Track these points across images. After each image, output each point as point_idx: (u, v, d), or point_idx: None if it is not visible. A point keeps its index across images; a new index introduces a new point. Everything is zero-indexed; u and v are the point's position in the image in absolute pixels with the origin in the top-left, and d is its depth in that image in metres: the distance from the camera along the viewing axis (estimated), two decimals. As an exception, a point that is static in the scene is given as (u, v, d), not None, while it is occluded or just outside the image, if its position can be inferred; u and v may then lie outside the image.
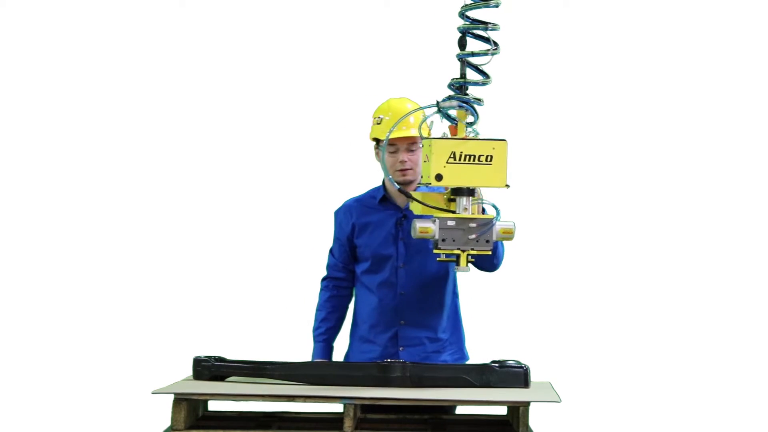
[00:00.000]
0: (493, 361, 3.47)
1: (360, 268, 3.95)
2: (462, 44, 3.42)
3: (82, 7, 5.84)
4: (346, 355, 4.02)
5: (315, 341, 3.99)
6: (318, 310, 4.03)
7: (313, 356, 3.97)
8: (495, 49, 3.37)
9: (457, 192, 3.37)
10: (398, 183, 3.78)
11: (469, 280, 3.96)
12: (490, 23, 3.37)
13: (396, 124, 3.62)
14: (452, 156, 3.31)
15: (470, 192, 3.37)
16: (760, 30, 5.81)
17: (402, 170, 3.78)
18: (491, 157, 3.32)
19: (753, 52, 5.84)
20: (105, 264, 5.79)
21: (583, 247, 5.78)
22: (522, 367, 3.45)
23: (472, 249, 3.36)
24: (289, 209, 5.61)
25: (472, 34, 3.41)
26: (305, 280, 4.94)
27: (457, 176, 3.31)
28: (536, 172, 5.59)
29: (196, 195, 5.81)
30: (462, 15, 3.40)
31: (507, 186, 3.35)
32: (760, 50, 5.83)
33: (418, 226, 3.33)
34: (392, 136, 3.72)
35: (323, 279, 4.06)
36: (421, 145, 3.73)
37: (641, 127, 5.86)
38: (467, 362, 3.96)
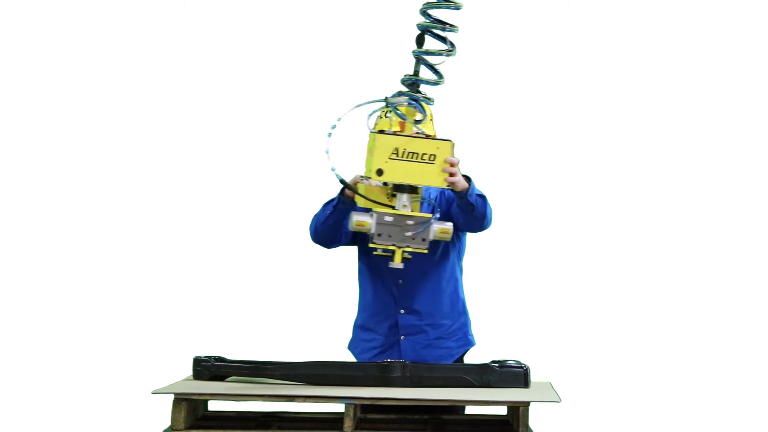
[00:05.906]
0: (493, 361, 3.47)
1: (358, 251, 3.89)
2: (420, 41, 3.43)
3: (82, 7, 5.85)
4: (350, 344, 3.97)
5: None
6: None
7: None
8: (451, 51, 3.39)
9: (399, 188, 3.40)
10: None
11: (469, 280, 3.96)
12: (448, 24, 3.39)
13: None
14: (395, 152, 3.34)
15: (412, 189, 3.40)
16: (759, 30, 5.81)
17: None
18: (434, 156, 3.36)
19: (752, 52, 5.84)
20: (105, 264, 5.79)
21: (583, 247, 5.77)
22: (522, 367, 3.45)
23: (408, 246, 3.40)
24: (289, 209, 5.60)
25: (432, 32, 3.42)
26: (305, 280, 4.93)
27: (397, 172, 3.35)
28: (536, 172, 5.59)
29: (196, 195, 5.81)
30: (423, 13, 3.41)
31: (448, 186, 3.38)
32: (759, 51, 5.83)
33: (355, 219, 3.39)
34: None
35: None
36: None
37: (637, 127, 5.85)
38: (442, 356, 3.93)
